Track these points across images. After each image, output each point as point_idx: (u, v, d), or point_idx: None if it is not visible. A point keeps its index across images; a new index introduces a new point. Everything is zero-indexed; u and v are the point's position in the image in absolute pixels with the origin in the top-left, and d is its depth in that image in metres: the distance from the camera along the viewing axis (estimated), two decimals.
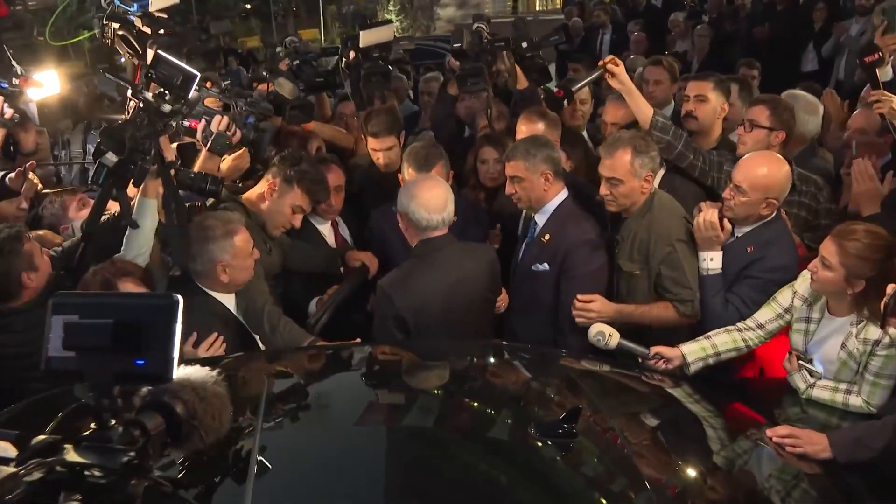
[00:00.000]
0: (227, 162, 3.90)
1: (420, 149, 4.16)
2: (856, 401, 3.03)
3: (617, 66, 4.07)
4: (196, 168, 3.55)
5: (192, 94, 3.21)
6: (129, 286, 2.97)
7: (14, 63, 3.95)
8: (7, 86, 4.05)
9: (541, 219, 3.85)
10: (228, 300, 3.42)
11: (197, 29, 4.06)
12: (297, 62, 5.41)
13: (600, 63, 4.18)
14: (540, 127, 4.37)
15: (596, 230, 3.79)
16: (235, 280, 3.35)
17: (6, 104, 4.14)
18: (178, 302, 1.37)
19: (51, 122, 4.14)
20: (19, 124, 4.38)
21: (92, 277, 2.99)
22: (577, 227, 3.76)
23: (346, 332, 3.51)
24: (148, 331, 1.34)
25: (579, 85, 4.45)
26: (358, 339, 3.36)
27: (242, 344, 3.35)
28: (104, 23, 3.86)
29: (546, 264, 3.75)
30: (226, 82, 5.00)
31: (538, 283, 3.79)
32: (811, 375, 3.15)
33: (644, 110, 4.05)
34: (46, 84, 4.26)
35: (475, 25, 5.66)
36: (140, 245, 3.28)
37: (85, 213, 3.74)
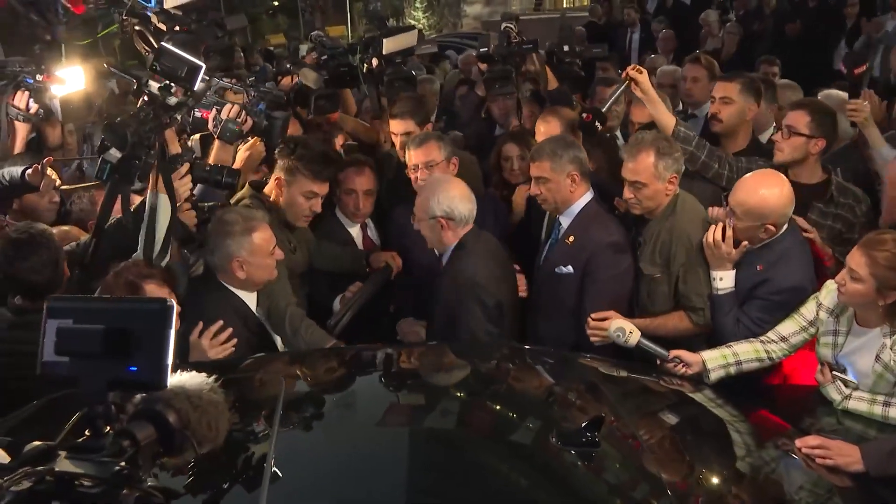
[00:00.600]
0: (240, 153, 3.88)
1: (418, 133, 4.24)
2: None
3: (640, 73, 4.02)
4: (210, 160, 3.53)
5: (199, 85, 3.19)
6: (152, 288, 2.90)
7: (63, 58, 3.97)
8: (32, 81, 4.05)
9: (565, 220, 3.79)
10: (250, 298, 3.38)
11: (212, 26, 4.03)
12: (325, 57, 5.36)
13: (623, 74, 4.13)
14: (558, 125, 4.33)
15: (621, 232, 3.73)
16: (253, 277, 3.30)
17: (31, 99, 4.13)
18: (171, 308, 1.35)
19: (73, 118, 4.15)
20: (44, 119, 4.38)
21: (115, 280, 2.93)
22: (603, 230, 3.70)
23: (369, 333, 3.48)
24: (141, 337, 1.33)
25: (607, 104, 4.36)
26: (378, 343, 3.33)
27: (260, 344, 3.32)
28: (123, 18, 3.86)
29: (570, 267, 3.70)
30: (251, 79, 5.01)
31: (561, 286, 3.73)
32: (846, 386, 3.05)
33: (666, 120, 3.98)
34: (70, 80, 4.26)
35: (504, 25, 5.64)
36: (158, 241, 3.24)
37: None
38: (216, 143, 3.59)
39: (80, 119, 5.40)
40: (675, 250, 3.55)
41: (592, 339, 3.49)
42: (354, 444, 2.20)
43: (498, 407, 2.63)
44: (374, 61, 5.26)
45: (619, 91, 4.27)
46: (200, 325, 3.09)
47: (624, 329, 3.26)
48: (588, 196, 3.77)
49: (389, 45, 5.19)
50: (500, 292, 3.56)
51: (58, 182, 4.09)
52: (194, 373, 1.52)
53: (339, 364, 3.11)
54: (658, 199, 3.59)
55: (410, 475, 2.06)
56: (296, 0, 37.20)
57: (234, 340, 3.15)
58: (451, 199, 3.52)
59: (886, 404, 2.94)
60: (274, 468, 1.81)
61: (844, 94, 4.79)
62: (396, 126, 4.51)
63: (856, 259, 2.89)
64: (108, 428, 1.35)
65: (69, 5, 3.64)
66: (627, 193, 3.62)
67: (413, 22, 29.63)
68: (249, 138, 3.78)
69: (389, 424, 2.38)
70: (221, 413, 1.50)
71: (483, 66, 5.75)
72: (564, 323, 3.70)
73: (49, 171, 3.85)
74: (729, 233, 3.40)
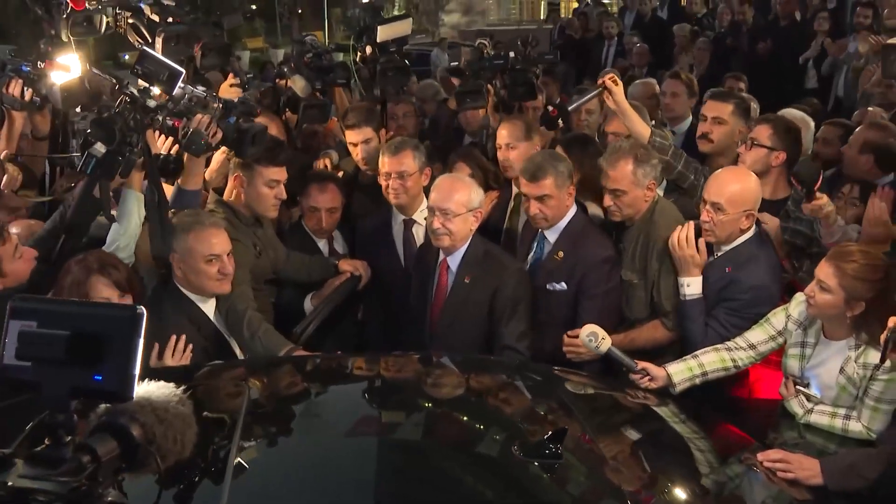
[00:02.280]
0: (210, 166, 3.86)
1: (396, 139, 4.22)
2: (855, 426, 2.97)
3: (616, 84, 4.03)
4: (184, 174, 3.50)
5: (177, 90, 3.17)
6: (99, 287, 2.91)
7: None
8: (29, 69, 3.98)
9: (552, 235, 3.77)
10: (207, 305, 3.37)
11: (210, 24, 4.01)
12: (311, 55, 5.37)
13: (599, 81, 4.14)
14: (520, 126, 4.33)
15: (610, 245, 3.76)
16: (189, 282, 3.28)
17: (25, 87, 4.03)
18: (141, 315, 1.31)
19: (73, 105, 4.08)
20: (38, 108, 4.30)
21: (69, 269, 2.96)
22: (595, 245, 3.72)
23: (335, 341, 3.46)
24: (107, 344, 1.28)
25: (575, 104, 4.41)
26: (339, 352, 3.31)
27: (216, 351, 3.29)
28: (117, 11, 3.80)
29: (563, 283, 3.68)
30: (249, 75, 4.98)
31: (553, 302, 3.72)
32: (808, 400, 3.09)
33: (641, 130, 3.98)
34: (72, 68, 4.13)
35: (478, 41, 5.68)
36: (127, 238, 3.23)
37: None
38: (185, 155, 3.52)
39: (77, 106, 5.29)
40: (651, 255, 3.59)
41: (569, 355, 3.49)
42: (316, 454, 2.19)
43: (461, 417, 2.62)
44: (368, 49, 5.28)
45: (590, 96, 4.32)
46: (157, 347, 3.06)
47: (596, 334, 3.26)
48: (574, 209, 3.78)
49: (384, 32, 5.23)
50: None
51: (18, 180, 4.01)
52: (161, 383, 1.48)
53: (300, 373, 3.07)
54: (637, 206, 3.64)
55: (372, 484, 2.05)
56: (273, 4, 37.07)
57: (190, 347, 3.13)
58: (481, 192, 3.60)
59: (846, 418, 2.98)
60: (234, 481, 1.79)
61: (799, 112, 4.97)
62: (354, 136, 4.52)
63: (824, 270, 2.94)
64: (69, 438, 1.30)
65: (70, 1, 3.59)
66: (607, 201, 3.66)
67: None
68: (218, 150, 3.73)
69: (351, 434, 2.35)
70: (188, 426, 1.47)
71: (453, 81, 5.78)
72: (556, 338, 3.61)
73: (9, 166, 3.79)
74: (697, 238, 3.47)
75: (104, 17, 3.70)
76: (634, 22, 12.22)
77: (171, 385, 1.50)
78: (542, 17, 31.22)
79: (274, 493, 1.89)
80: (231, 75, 4.74)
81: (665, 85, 5.53)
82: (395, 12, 33.12)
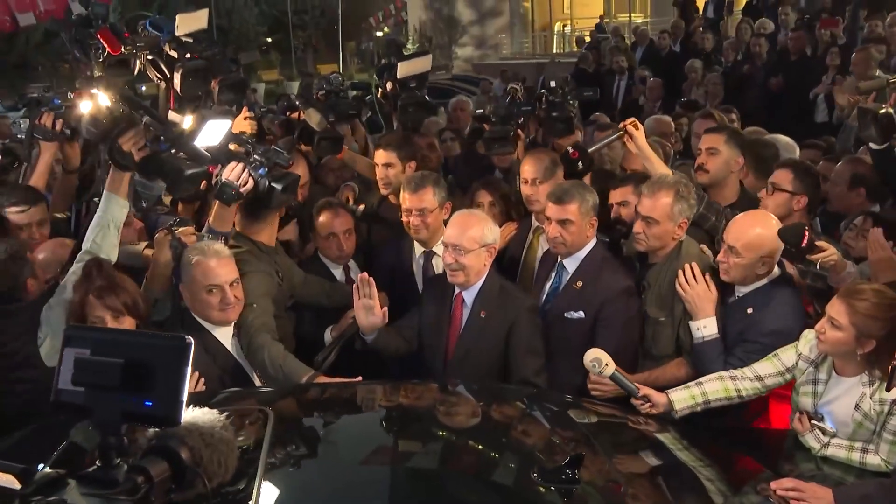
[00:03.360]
0: None
1: (417, 173, 4.24)
2: (874, 459, 2.96)
3: (637, 129, 4.08)
4: (211, 218, 3.57)
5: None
6: (95, 308, 3.01)
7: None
8: (60, 101, 4.08)
9: (571, 264, 3.83)
10: (223, 334, 3.42)
11: (227, 59, 4.11)
12: (325, 91, 5.46)
13: (621, 125, 4.19)
14: (545, 159, 4.35)
15: (630, 276, 3.80)
16: (195, 309, 3.33)
17: (56, 119, 4.12)
18: (190, 345, 1.37)
19: (101, 135, 4.16)
20: (69, 139, 4.34)
21: (77, 287, 3.06)
22: (614, 275, 3.77)
23: (354, 369, 3.48)
24: (158, 372, 1.34)
25: (595, 147, 4.44)
26: (359, 377, 3.32)
27: (234, 381, 3.33)
28: (136, 52, 3.89)
29: (581, 312, 3.73)
30: (263, 109, 5.08)
31: (571, 331, 3.75)
32: (824, 434, 3.09)
33: (662, 173, 4.01)
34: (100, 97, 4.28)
35: (509, 86, 5.74)
36: (108, 244, 3.25)
37: (130, 231, 3.74)
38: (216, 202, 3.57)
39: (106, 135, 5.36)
40: (678, 294, 3.61)
41: (594, 392, 3.50)
42: (336, 481, 2.22)
43: (478, 445, 2.65)
44: (389, 85, 5.36)
45: (611, 138, 4.37)
46: None
47: (600, 360, 3.26)
48: (594, 241, 3.84)
49: (404, 69, 5.32)
50: None
51: None
52: (206, 409, 1.53)
53: (319, 399, 3.11)
54: (665, 240, 3.68)
55: None
56: (289, 38, 37.51)
57: (202, 381, 3.16)
58: (496, 229, 3.66)
59: (864, 451, 2.98)
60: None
61: (785, 139, 5.09)
62: (379, 156, 4.61)
63: (836, 308, 2.95)
64: (119, 460, 1.36)
65: (107, 45, 3.69)
66: (638, 228, 3.70)
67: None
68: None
69: (369, 463, 2.38)
70: (231, 451, 1.51)
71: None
72: (572, 366, 3.57)
73: None
74: (705, 275, 3.52)
75: (138, 61, 3.80)
76: (644, 56, 12.37)
77: (215, 411, 1.55)
78: (554, 51, 31.50)
79: None
80: (245, 108, 4.82)
81: (696, 125, 5.50)
82: (409, 46, 33.58)
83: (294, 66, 34.60)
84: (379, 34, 31.51)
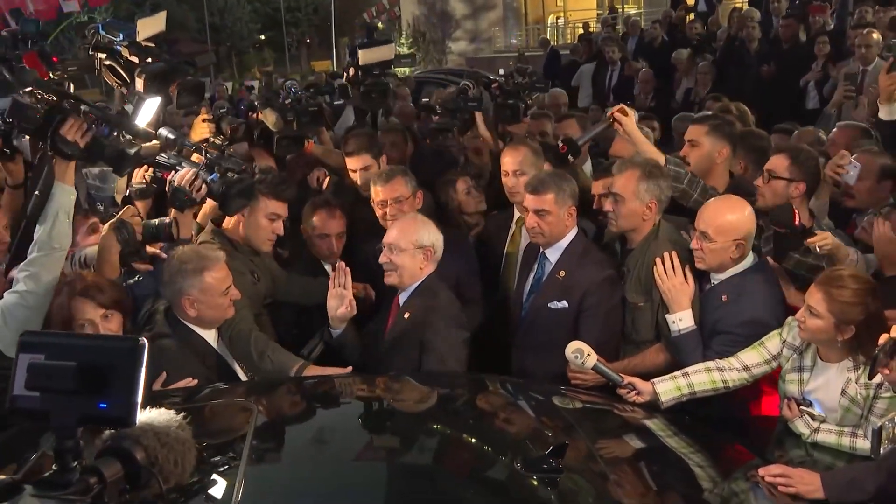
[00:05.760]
0: (203, 209, 3.94)
1: (384, 168, 4.28)
2: (864, 444, 2.96)
3: (626, 115, 4.06)
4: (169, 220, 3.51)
5: (167, 138, 3.30)
6: (82, 308, 2.98)
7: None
8: None
9: (553, 254, 3.83)
10: (209, 334, 3.39)
11: (183, 64, 4.07)
12: (287, 101, 5.44)
13: (608, 113, 4.17)
14: (527, 152, 4.36)
15: (612, 264, 3.80)
16: (204, 316, 3.30)
17: None
18: (143, 346, 1.37)
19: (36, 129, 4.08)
20: (10, 158, 4.29)
21: (58, 291, 3.02)
22: (596, 265, 3.76)
23: (341, 362, 3.47)
24: (112, 374, 1.34)
25: (584, 138, 4.43)
26: (349, 368, 3.33)
27: (220, 377, 3.31)
28: (90, 53, 3.85)
29: (564, 302, 3.73)
30: (222, 109, 5.05)
31: (555, 321, 3.75)
32: (813, 419, 3.09)
33: (655, 158, 3.96)
34: None
35: (462, 83, 5.80)
36: (59, 233, 3.13)
37: (95, 238, 3.64)
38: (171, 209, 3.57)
39: None
40: (655, 278, 3.60)
41: (574, 381, 3.51)
42: (323, 473, 2.22)
43: (464, 436, 2.65)
44: (352, 71, 5.38)
45: (598, 129, 4.37)
46: (164, 376, 3.08)
47: (582, 351, 3.27)
48: (575, 230, 3.84)
49: (366, 56, 5.32)
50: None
51: None
52: (163, 409, 1.53)
53: (308, 391, 3.11)
54: (633, 221, 3.68)
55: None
56: (283, 35, 37.57)
57: (193, 381, 3.13)
58: (437, 234, 3.62)
59: (854, 435, 2.98)
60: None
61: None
62: (354, 163, 4.62)
63: (814, 296, 2.95)
64: (76, 463, 1.35)
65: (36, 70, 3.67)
66: (608, 206, 3.73)
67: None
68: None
69: (358, 456, 2.39)
70: (188, 450, 1.52)
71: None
72: (558, 357, 3.53)
73: None
74: (683, 268, 3.51)
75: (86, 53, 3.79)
76: (637, 47, 12.35)
77: (172, 411, 1.55)
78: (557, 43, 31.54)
79: None
80: (203, 110, 4.80)
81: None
82: (403, 41, 33.58)
83: (288, 63, 34.60)
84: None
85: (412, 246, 3.57)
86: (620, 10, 26.19)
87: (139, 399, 1.34)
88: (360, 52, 5.34)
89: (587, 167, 5.11)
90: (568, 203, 3.75)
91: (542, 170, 4.23)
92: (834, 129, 5.25)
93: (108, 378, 1.34)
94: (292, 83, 5.87)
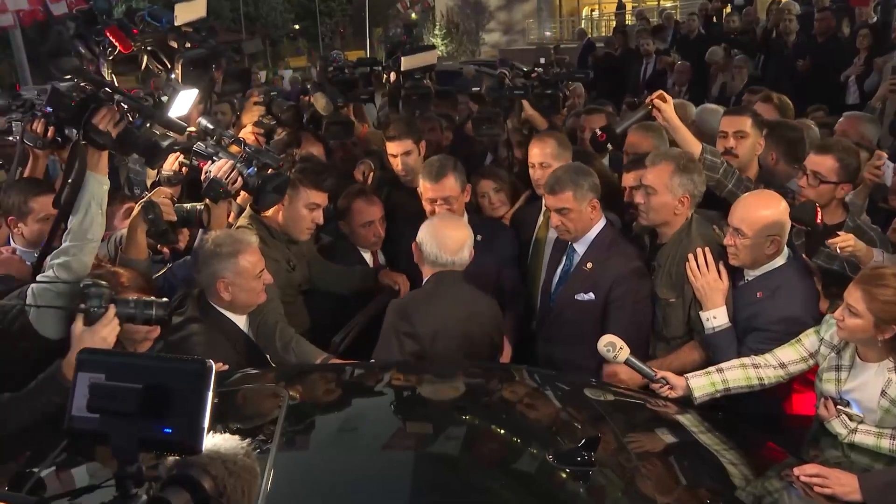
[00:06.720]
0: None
1: (434, 160, 4.21)
2: None
3: (665, 101, 4.01)
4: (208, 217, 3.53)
5: (205, 126, 3.28)
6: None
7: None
8: (51, 109, 4.03)
9: (580, 247, 3.82)
10: (240, 319, 3.42)
11: (229, 50, 4.07)
12: (333, 68, 5.48)
13: (647, 100, 4.11)
14: (554, 144, 4.34)
15: (640, 256, 3.78)
16: (238, 300, 3.32)
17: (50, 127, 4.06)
18: (210, 368, 1.32)
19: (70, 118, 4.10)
20: (61, 147, 4.30)
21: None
22: (624, 256, 3.74)
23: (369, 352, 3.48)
24: (177, 397, 1.29)
25: (623, 126, 4.39)
26: (373, 360, 3.35)
27: (250, 363, 3.34)
28: (137, 42, 3.83)
29: (591, 294, 3.72)
30: (273, 92, 5.07)
31: (582, 313, 3.74)
32: (851, 420, 3.04)
33: (692, 147, 3.93)
34: None
35: (499, 70, 5.76)
36: (92, 223, 3.04)
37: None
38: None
39: None
40: (688, 274, 3.57)
41: (607, 380, 3.48)
42: (351, 464, 2.22)
43: (492, 426, 2.67)
44: (393, 75, 5.39)
45: (637, 116, 4.30)
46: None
47: (614, 344, 3.26)
48: (602, 221, 3.82)
49: (408, 62, 5.33)
50: (425, 325, 3.42)
51: None
52: (227, 435, 1.49)
53: (332, 380, 3.12)
54: (664, 214, 3.64)
55: (402, 497, 2.08)
56: (316, 24, 37.63)
57: (224, 366, 3.11)
58: (427, 234, 3.52)
59: (893, 437, 2.93)
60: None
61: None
62: (394, 147, 4.63)
63: (853, 295, 2.91)
64: (136, 490, 1.30)
65: (117, 44, 3.64)
66: (639, 198, 3.69)
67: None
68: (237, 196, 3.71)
69: (382, 445, 2.40)
70: (254, 478, 1.47)
71: (473, 106, 5.85)
72: (585, 349, 3.54)
73: None
74: (717, 265, 3.48)
75: (145, 57, 3.78)
76: (672, 40, 12.22)
77: (237, 437, 1.51)
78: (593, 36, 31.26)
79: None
80: (254, 94, 4.83)
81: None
82: (436, 31, 33.44)
83: (321, 52, 34.64)
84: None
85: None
86: (656, 3, 25.91)
87: (206, 424, 1.29)
88: (402, 58, 5.34)
89: (604, 160, 5.08)
90: (588, 196, 3.72)
91: (566, 161, 4.22)
92: (840, 120, 5.21)
93: (173, 401, 1.28)
94: (338, 53, 5.88)
